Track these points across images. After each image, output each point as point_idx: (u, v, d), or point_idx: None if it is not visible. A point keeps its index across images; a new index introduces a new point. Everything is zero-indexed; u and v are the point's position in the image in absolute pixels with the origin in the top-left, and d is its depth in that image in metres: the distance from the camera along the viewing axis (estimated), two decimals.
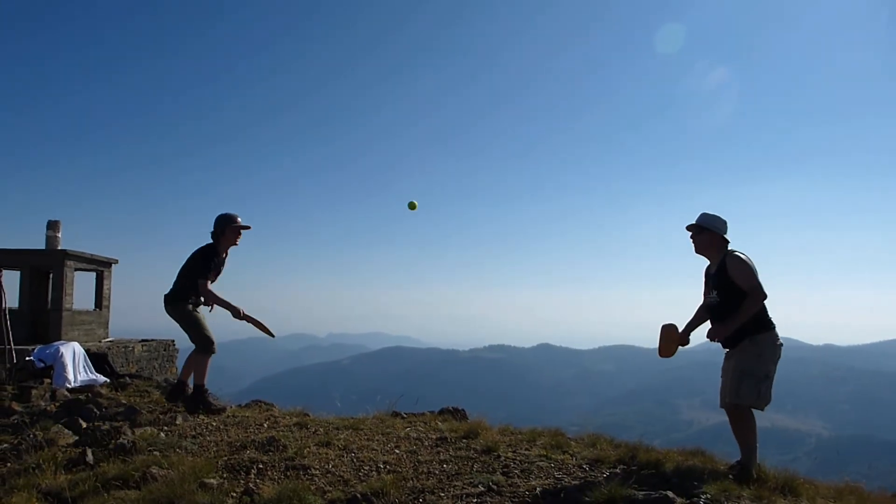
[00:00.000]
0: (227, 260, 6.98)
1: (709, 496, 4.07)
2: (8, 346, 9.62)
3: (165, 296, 6.81)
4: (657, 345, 5.46)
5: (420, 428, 6.17)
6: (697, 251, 5.23)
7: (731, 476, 4.59)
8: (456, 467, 4.73)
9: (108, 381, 8.90)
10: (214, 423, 6.12)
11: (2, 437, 5.66)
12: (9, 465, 4.89)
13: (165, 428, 5.89)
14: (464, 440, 5.57)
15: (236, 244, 6.90)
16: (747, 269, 4.88)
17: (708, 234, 5.10)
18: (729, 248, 5.05)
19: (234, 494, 4.02)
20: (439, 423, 6.38)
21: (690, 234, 5.20)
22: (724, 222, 5.09)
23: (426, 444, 5.49)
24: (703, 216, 5.15)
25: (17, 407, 6.73)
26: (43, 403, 7.04)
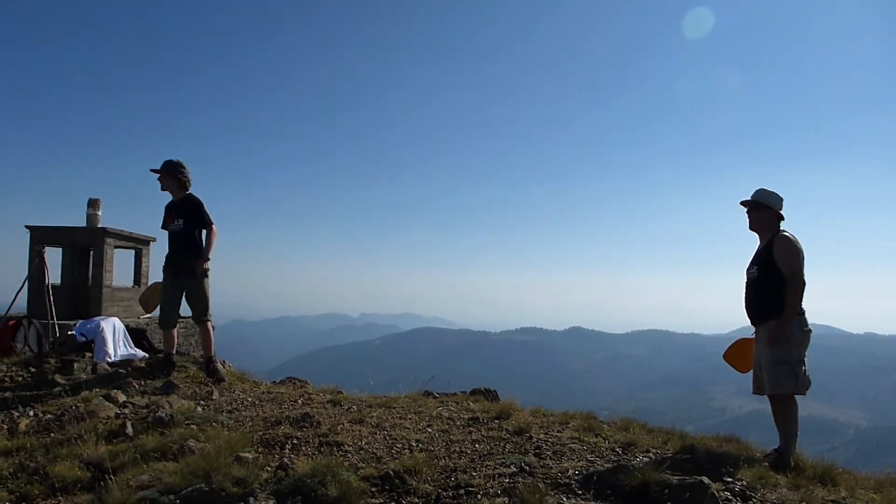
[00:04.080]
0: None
1: (744, 482, 4.01)
2: (51, 321, 9.87)
3: (188, 264, 7.08)
4: (732, 358, 5.38)
5: (452, 408, 6.18)
6: (752, 228, 5.11)
7: (766, 463, 4.53)
8: (488, 447, 4.73)
9: (147, 356, 9.08)
10: (250, 399, 6.22)
11: (46, 407, 5.82)
12: (52, 435, 5.03)
13: (202, 402, 6.01)
14: (496, 421, 5.57)
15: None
16: (794, 253, 4.77)
17: (766, 211, 4.99)
18: (781, 228, 4.94)
19: (269, 468, 4.07)
20: (471, 404, 6.39)
21: (746, 209, 5.08)
22: (781, 199, 4.97)
23: (458, 423, 5.50)
24: (761, 192, 5.01)
25: (59, 379, 6.90)
26: (84, 376, 7.21)
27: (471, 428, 5.34)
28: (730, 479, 4.06)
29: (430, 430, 5.25)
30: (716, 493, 3.68)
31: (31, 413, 5.64)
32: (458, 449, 4.69)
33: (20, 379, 7.19)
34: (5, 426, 5.27)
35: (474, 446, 4.77)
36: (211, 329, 7.33)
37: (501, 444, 4.84)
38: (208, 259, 7.03)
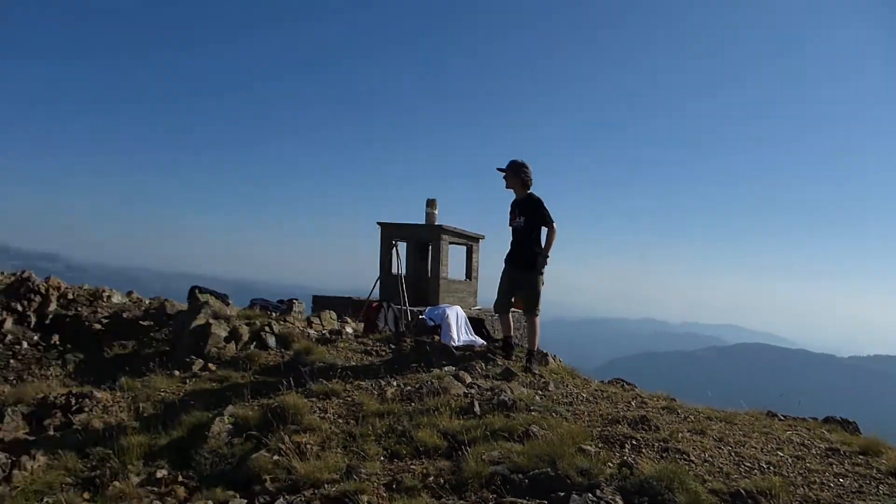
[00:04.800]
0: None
1: None
2: (404, 307, 11.29)
3: (527, 261, 7.44)
4: None
5: (803, 433, 5.55)
6: None
7: None
8: (856, 484, 4.14)
9: (485, 343, 9.77)
10: (584, 395, 6.32)
11: (405, 380, 6.60)
12: (413, 404, 5.68)
13: (539, 392, 6.27)
14: (860, 456, 4.86)
15: None
16: None
17: None
18: None
19: (612, 465, 4.08)
20: (826, 433, 5.67)
21: None
22: None
23: (814, 452, 4.91)
24: None
25: (414, 356, 7.79)
26: (434, 356, 8.02)
27: (830, 459, 4.73)
28: None
29: (780, 453, 4.77)
30: None
31: (395, 383, 6.44)
32: (817, 479, 4.18)
33: (384, 353, 8.31)
34: (376, 392, 6.10)
35: (837, 480, 4.22)
36: (538, 323, 7.59)
37: (873, 483, 4.20)
38: (548, 257, 7.28)
